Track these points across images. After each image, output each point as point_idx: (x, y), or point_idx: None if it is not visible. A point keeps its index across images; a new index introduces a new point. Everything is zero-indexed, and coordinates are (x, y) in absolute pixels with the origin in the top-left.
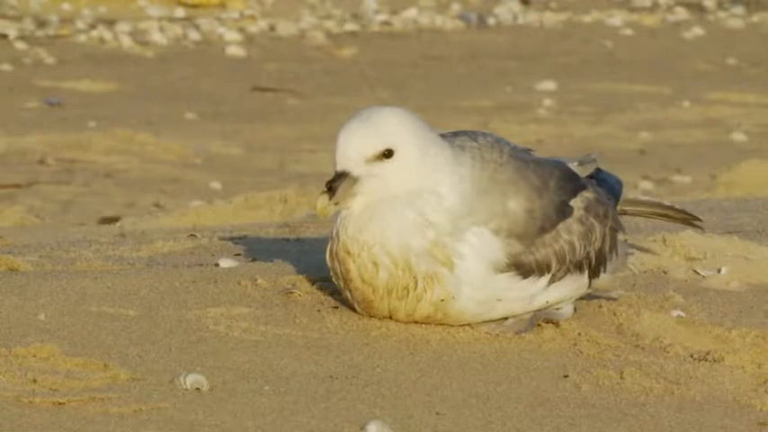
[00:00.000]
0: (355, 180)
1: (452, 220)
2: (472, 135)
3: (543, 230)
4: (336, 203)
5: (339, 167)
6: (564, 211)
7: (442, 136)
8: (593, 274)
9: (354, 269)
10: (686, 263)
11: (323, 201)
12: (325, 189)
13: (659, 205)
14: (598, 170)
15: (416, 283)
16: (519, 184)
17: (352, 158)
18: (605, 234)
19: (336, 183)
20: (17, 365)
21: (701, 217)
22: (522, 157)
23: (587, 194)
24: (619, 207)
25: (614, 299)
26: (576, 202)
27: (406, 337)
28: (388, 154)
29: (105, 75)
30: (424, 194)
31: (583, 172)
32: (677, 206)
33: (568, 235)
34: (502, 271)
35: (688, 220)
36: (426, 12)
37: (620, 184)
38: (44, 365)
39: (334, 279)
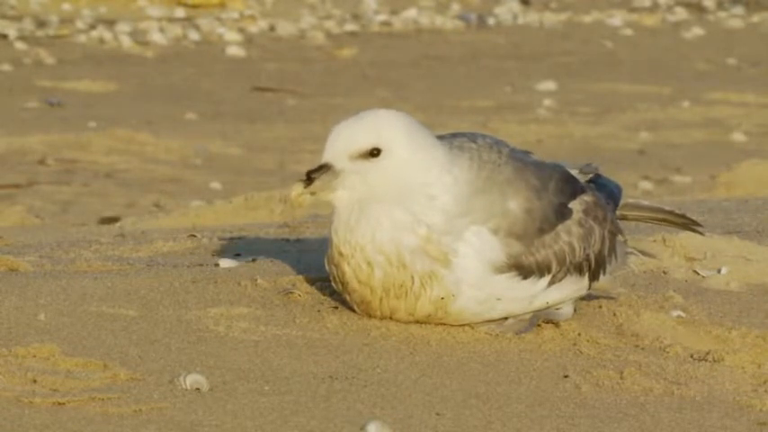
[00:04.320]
0: (337, 174)
1: (447, 220)
2: (471, 136)
3: (542, 231)
4: (312, 193)
5: (323, 159)
6: (563, 213)
7: (442, 137)
8: (593, 276)
9: (349, 271)
10: (686, 263)
11: (297, 188)
12: (303, 178)
13: (659, 210)
14: (597, 175)
15: (413, 280)
16: (518, 185)
17: (338, 152)
18: (604, 237)
19: (316, 173)
20: (17, 365)
21: (701, 218)
22: (522, 159)
23: (586, 198)
24: (619, 212)
25: (614, 298)
26: (575, 205)
27: (405, 337)
28: (375, 153)
29: (105, 75)
30: (413, 195)
31: (582, 178)
32: (677, 211)
33: (568, 237)
34: (502, 271)
35: (688, 225)
36: (426, 12)
37: (619, 189)
38: (44, 365)
39: (332, 283)
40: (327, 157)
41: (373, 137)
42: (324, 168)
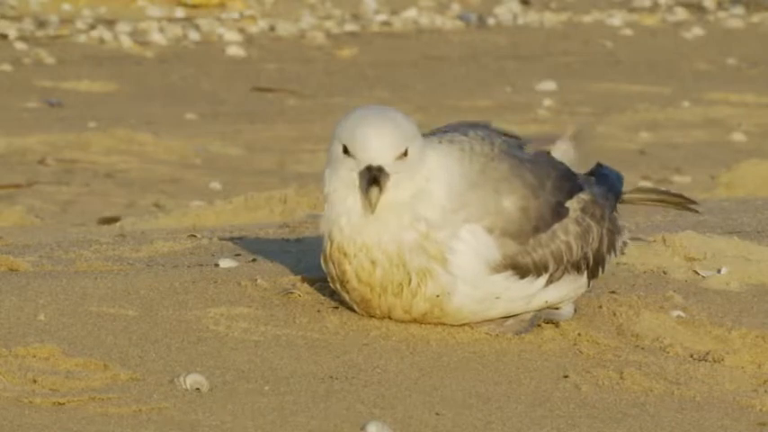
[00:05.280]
0: (388, 176)
1: (443, 214)
2: (462, 129)
3: (537, 230)
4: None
5: (375, 162)
6: (559, 212)
7: (434, 132)
8: (592, 275)
9: (351, 270)
10: (686, 263)
11: (376, 193)
12: (372, 182)
13: (654, 191)
14: (599, 165)
15: (410, 278)
16: (514, 183)
17: (388, 155)
18: (603, 235)
19: (380, 176)
20: (17, 365)
21: (701, 218)
22: (516, 155)
23: (584, 196)
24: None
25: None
26: (573, 204)
27: (405, 337)
28: (406, 153)
29: (105, 75)
30: (417, 192)
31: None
32: (673, 191)
33: (565, 235)
34: (498, 270)
35: (683, 204)
36: (426, 12)
37: (620, 179)
38: (44, 365)
39: (330, 282)
40: (378, 159)
41: (406, 137)
42: (380, 171)
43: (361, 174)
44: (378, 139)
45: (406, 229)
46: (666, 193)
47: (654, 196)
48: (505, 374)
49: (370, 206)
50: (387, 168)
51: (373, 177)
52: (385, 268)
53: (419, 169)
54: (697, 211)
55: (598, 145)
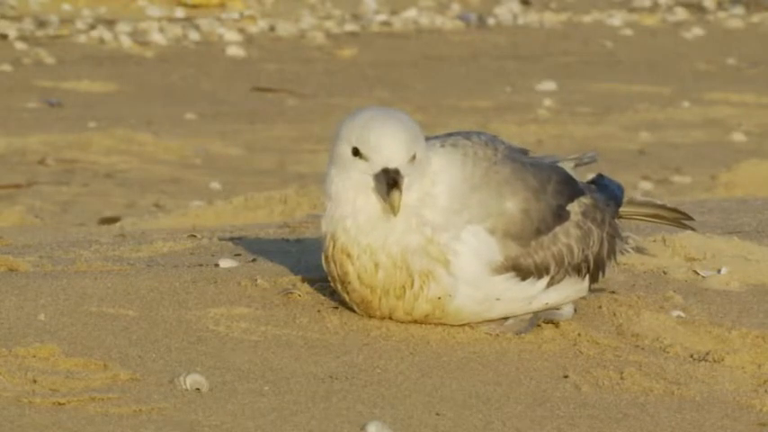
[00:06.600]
0: (403, 178)
1: (446, 216)
2: (466, 134)
3: (539, 232)
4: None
5: (391, 164)
6: (561, 215)
7: (437, 137)
8: (593, 278)
9: (353, 271)
10: (686, 263)
11: (398, 196)
12: (392, 185)
13: (651, 204)
14: (600, 176)
15: (413, 281)
16: (515, 185)
17: (402, 157)
18: (603, 239)
19: (399, 179)
20: (17, 365)
21: (701, 218)
22: (519, 159)
23: (585, 200)
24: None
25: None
26: (574, 207)
27: (405, 338)
28: (414, 157)
29: (105, 75)
30: (425, 197)
31: (579, 171)
32: (669, 205)
33: (566, 238)
34: (499, 272)
35: (679, 219)
36: (426, 12)
37: (621, 190)
38: (44, 365)
39: (330, 282)
40: (395, 162)
41: (415, 141)
42: (397, 173)
43: (378, 176)
44: (394, 140)
45: (412, 233)
46: (663, 207)
47: (650, 211)
48: (505, 374)
49: (393, 209)
50: (403, 171)
51: (393, 180)
52: (388, 270)
53: (425, 172)
54: (693, 228)
55: (598, 145)
